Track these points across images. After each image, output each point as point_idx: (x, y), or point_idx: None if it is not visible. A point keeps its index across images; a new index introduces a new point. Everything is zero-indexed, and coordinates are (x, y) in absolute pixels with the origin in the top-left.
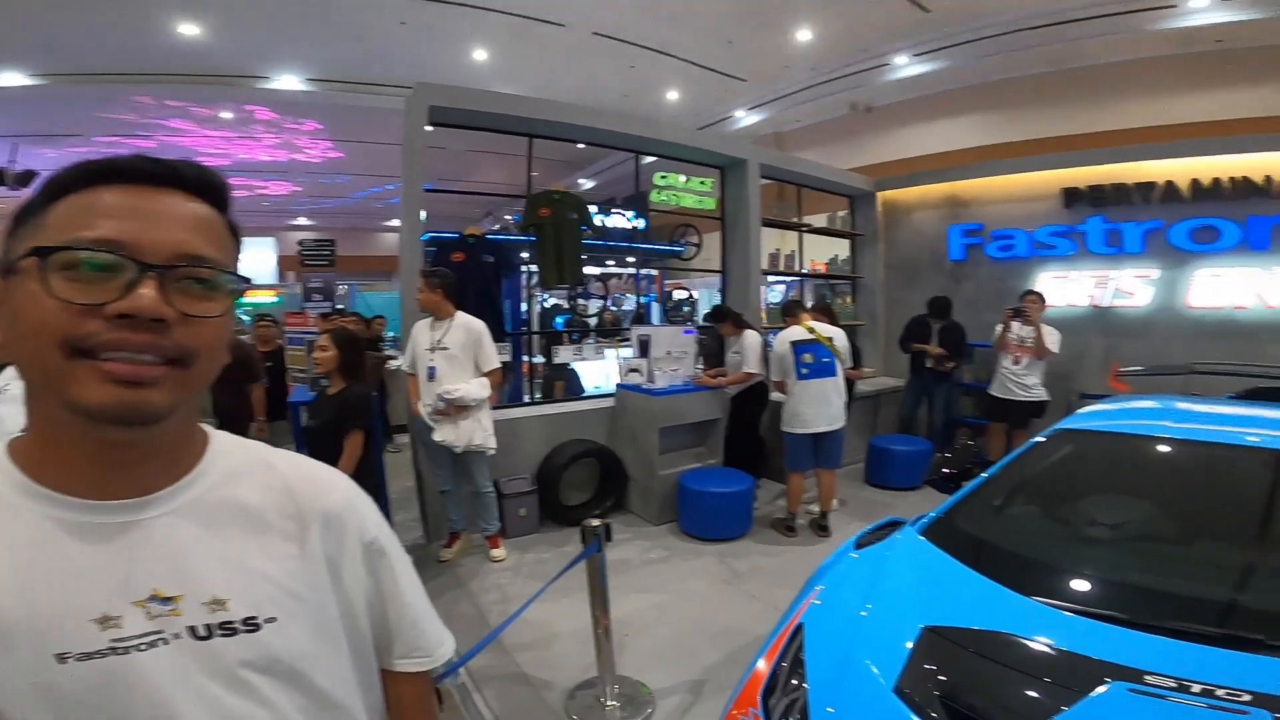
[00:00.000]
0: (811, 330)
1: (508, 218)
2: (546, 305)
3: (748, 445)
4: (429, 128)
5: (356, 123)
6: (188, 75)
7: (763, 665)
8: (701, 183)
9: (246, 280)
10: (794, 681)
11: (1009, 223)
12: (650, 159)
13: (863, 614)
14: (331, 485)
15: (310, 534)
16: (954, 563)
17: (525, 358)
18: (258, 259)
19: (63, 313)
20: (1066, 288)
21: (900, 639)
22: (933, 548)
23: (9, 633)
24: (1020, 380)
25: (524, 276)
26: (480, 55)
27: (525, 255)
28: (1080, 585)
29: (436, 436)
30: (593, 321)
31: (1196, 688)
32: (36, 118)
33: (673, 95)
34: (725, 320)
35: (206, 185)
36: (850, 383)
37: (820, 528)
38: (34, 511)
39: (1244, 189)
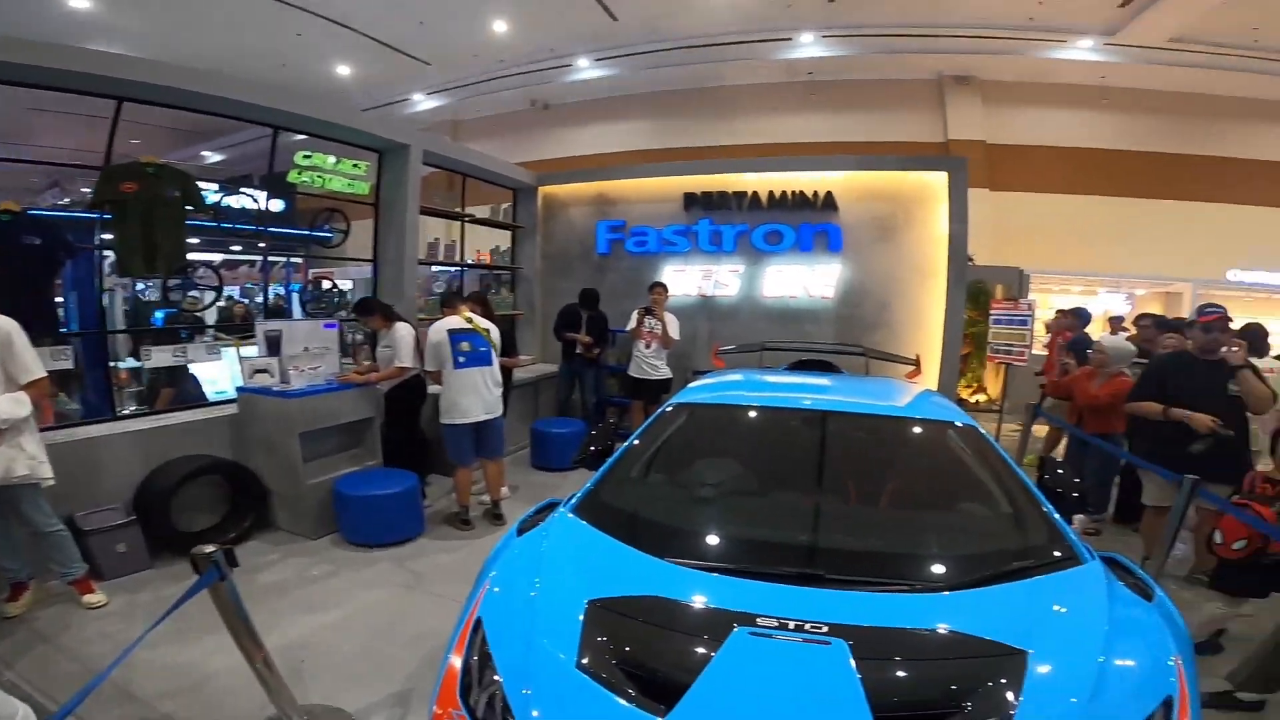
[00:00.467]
0: (469, 320)
1: (86, 190)
2: (147, 297)
3: (409, 442)
4: None
5: None
6: None
7: (455, 661)
8: (355, 165)
9: None
10: (487, 674)
11: (644, 220)
12: (300, 136)
13: (533, 595)
14: None
15: None
16: (603, 536)
17: (113, 363)
18: None
19: None
20: (683, 279)
21: (571, 616)
22: (584, 524)
23: None
24: (650, 361)
25: (98, 263)
26: (79, 3)
27: (108, 237)
28: (702, 544)
29: None
30: (209, 316)
31: (792, 624)
32: None
33: (343, 70)
34: (373, 313)
35: None
36: (508, 371)
37: (495, 517)
38: None
39: (799, 201)
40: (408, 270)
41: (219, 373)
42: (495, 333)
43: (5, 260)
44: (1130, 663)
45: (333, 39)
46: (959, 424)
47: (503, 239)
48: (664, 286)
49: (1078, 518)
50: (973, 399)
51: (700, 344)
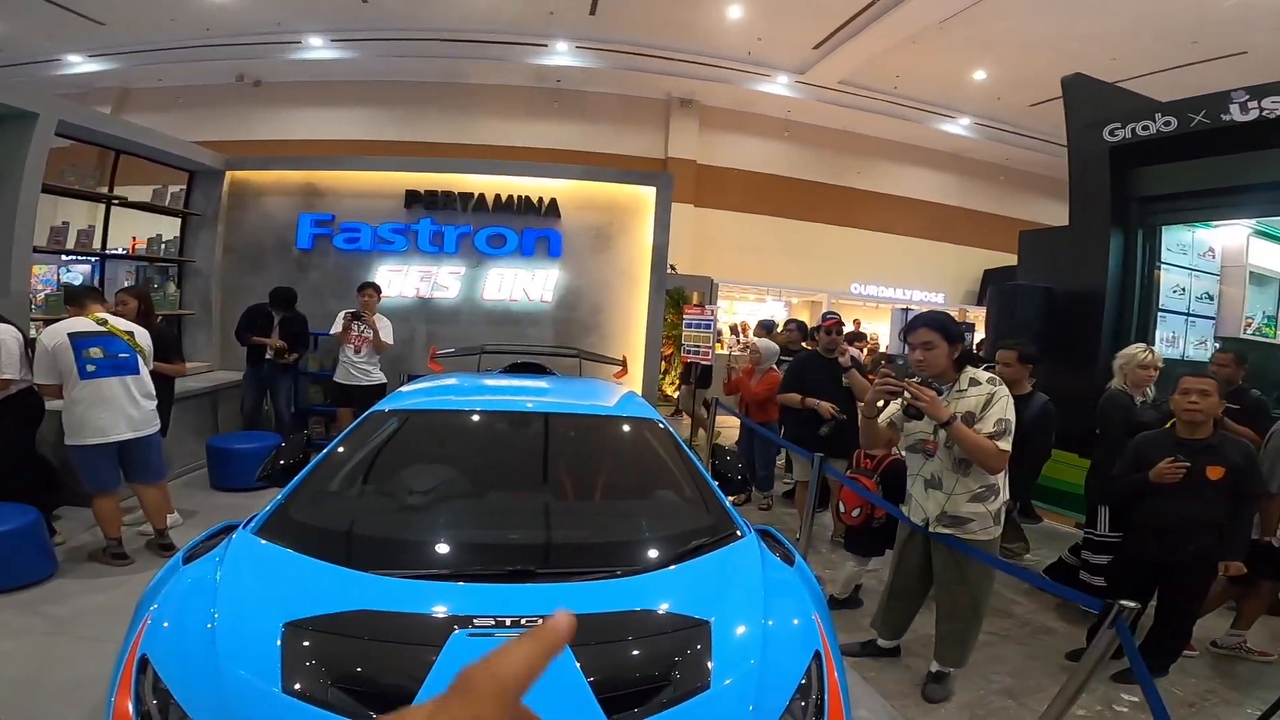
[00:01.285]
0: (103, 322)
1: None
2: None
3: (26, 470)
4: None
5: None
6: None
7: (126, 704)
8: None
9: None
10: (172, 714)
11: (358, 216)
12: None
13: (211, 627)
14: None
15: None
16: (295, 556)
17: None
18: None
19: None
20: (400, 281)
21: (266, 643)
22: (269, 545)
23: None
24: (361, 367)
25: None
26: None
27: None
28: (413, 552)
29: None
30: None
31: (509, 620)
32: None
33: None
34: None
35: None
36: (169, 381)
37: (163, 548)
38: None
39: (525, 206)
40: (17, 260)
41: None
42: (143, 336)
43: None
44: (785, 623)
45: None
46: (651, 421)
47: (168, 226)
48: (376, 288)
49: (757, 495)
50: (675, 394)
51: (418, 347)
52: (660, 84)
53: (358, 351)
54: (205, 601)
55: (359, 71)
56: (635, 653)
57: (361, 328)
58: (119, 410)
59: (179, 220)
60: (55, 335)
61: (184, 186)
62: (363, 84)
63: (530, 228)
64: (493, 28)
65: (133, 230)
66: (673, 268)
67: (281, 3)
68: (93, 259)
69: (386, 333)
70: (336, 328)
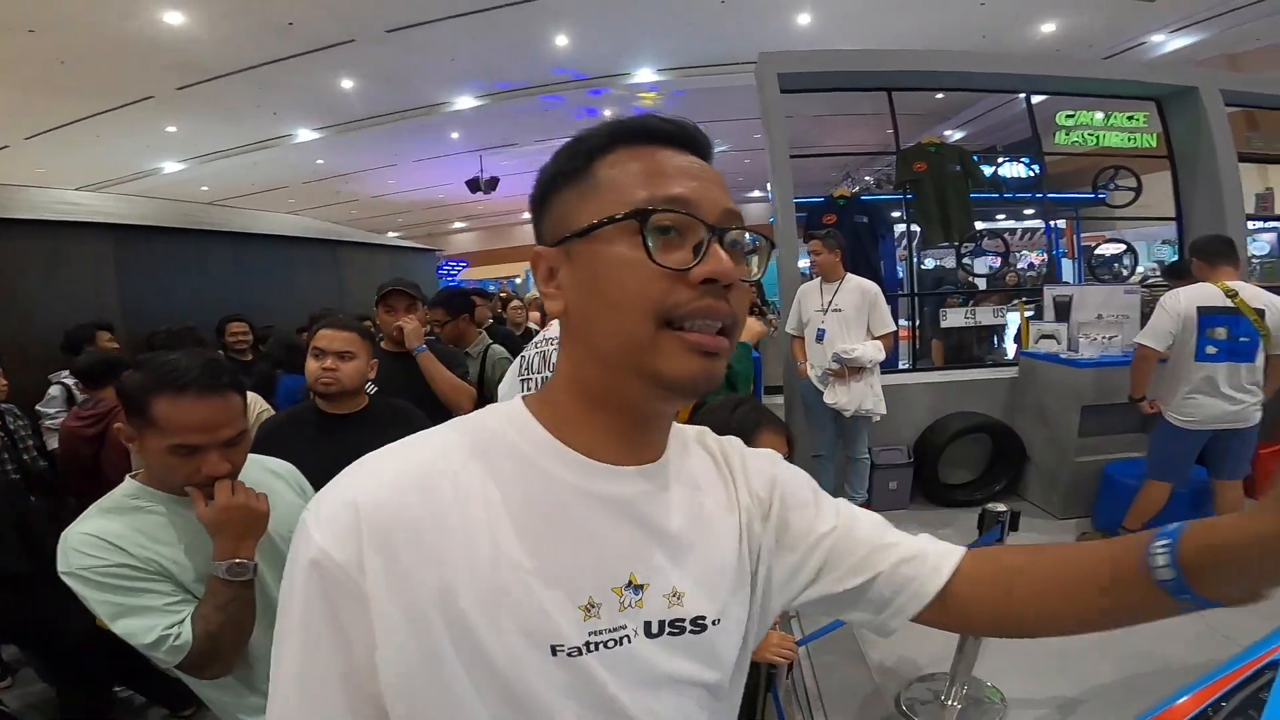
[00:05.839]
0: (1233, 295)
1: (868, 179)
2: (926, 266)
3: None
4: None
5: (707, 103)
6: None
7: (1186, 701)
8: (1130, 118)
9: (772, 243)
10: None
11: None
12: (1040, 99)
13: None
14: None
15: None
16: None
17: (906, 321)
18: None
19: (660, 280)
20: None
21: None
22: None
23: (510, 614)
24: None
25: (898, 237)
26: (804, 19)
27: (897, 215)
28: None
29: (828, 399)
30: (981, 283)
31: None
32: (486, 131)
33: (1047, 28)
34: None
35: (707, 145)
36: None
37: None
38: (560, 477)
39: None
40: (1230, 229)
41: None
42: (1277, 311)
43: (849, 236)
44: None
45: (1019, 1)
46: None
47: None
48: None
49: None
50: None
51: None
52: None
53: None
54: None
55: None
56: None
57: None
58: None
59: None
60: (1188, 304)
61: None
62: None
63: None
64: None
65: None
66: None
67: None
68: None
69: None
70: None
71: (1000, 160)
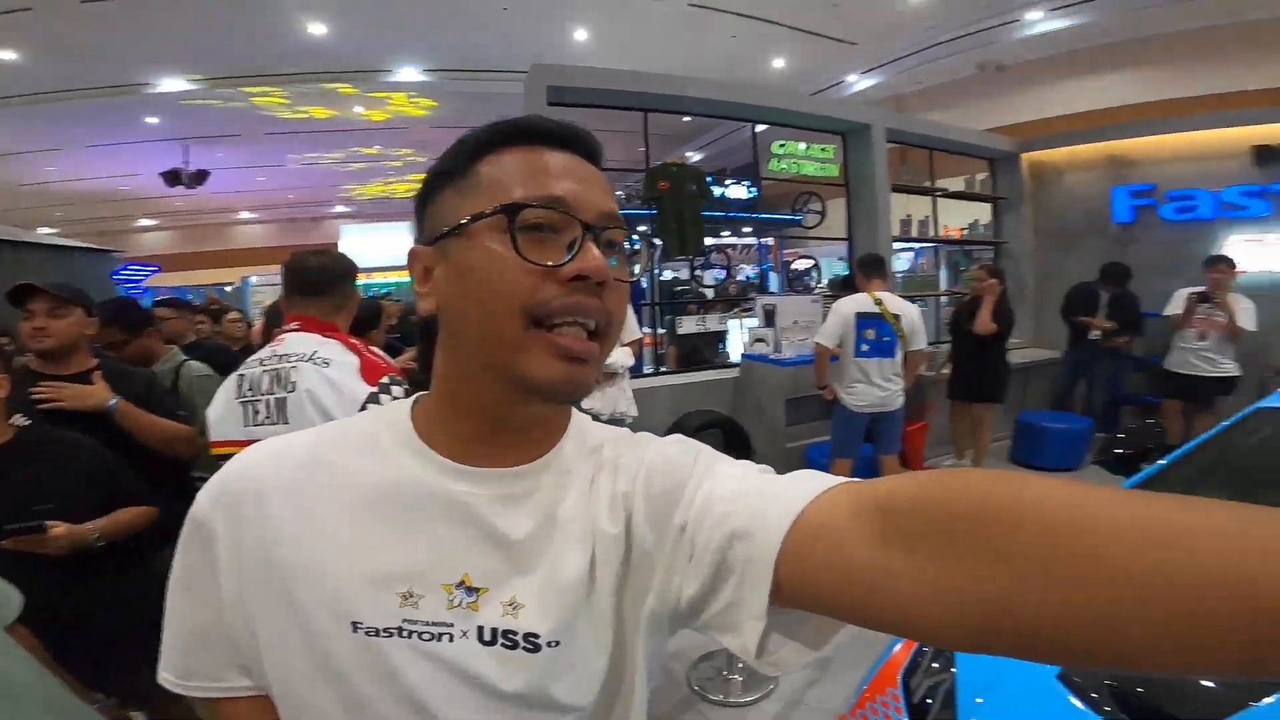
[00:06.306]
0: (879, 302)
1: (619, 193)
2: (665, 278)
3: None
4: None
5: (470, 110)
6: (316, 73)
7: (899, 649)
8: (823, 149)
9: (653, 243)
10: (937, 665)
11: (1188, 183)
12: (763, 128)
13: None
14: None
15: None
16: None
17: (649, 329)
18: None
19: (528, 276)
20: (1262, 253)
21: None
22: None
23: (318, 585)
24: (1206, 355)
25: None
26: (581, 35)
27: (643, 229)
28: None
29: (584, 403)
30: (709, 293)
31: None
32: (199, 121)
33: (778, 63)
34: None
35: (594, 147)
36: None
37: None
38: (405, 464)
39: None
40: (882, 247)
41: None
42: (911, 318)
43: None
44: None
45: (761, 36)
46: None
47: (980, 212)
48: (1230, 263)
49: None
50: None
51: None
52: None
53: (1203, 337)
54: None
55: (1099, 35)
56: None
57: (1210, 310)
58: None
59: (989, 206)
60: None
61: (986, 174)
62: (1113, 45)
63: None
64: None
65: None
66: None
67: None
68: (924, 245)
69: (1247, 317)
70: (1175, 308)
71: (728, 182)
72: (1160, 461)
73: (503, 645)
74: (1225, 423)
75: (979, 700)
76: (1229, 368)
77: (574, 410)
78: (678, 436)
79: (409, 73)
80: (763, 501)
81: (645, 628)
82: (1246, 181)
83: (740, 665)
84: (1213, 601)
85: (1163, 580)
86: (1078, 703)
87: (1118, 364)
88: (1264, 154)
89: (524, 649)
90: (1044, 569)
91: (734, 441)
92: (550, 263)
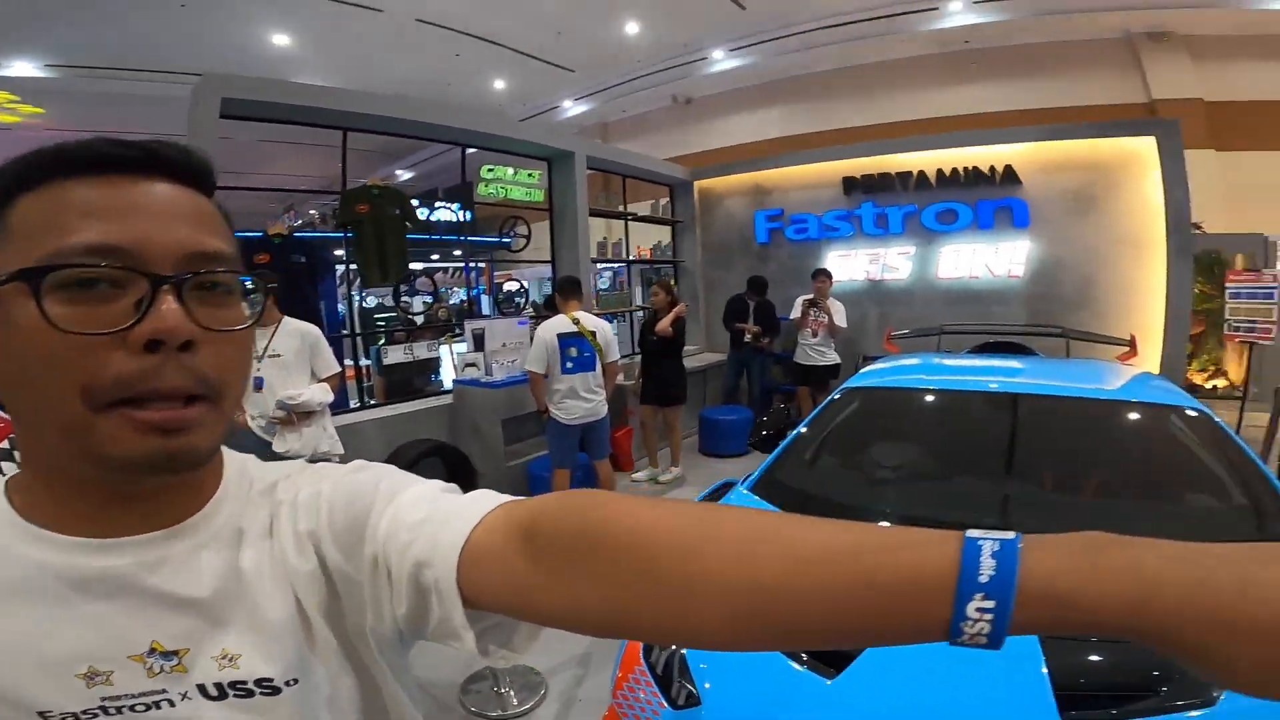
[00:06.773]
0: (576, 321)
1: (313, 212)
2: (368, 305)
3: None
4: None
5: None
6: None
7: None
8: (530, 175)
9: (272, 281)
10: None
11: (803, 208)
12: (474, 150)
13: None
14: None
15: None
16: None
17: (351, 361)
18: None
19: (73, 349)
20: (849, 265)
21: None
22: (761, 502)
23: None
24: (817, 349)
25: (340, 276)
26: (281, 40)
27: (339, 254)
28: (885, 521)
29: (278, 447)
30: (419, 319)
31: None
32: None
33: (499, 84)
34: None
35: (192, 168)
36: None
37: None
38: (25, 555)
39: (975, 177)
40: (583, 268)
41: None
42: (605, 333)
43: (284, 276)
44: None
45: (485, 56)
46: (1187, 410)
47: (664, 233)
48: (828, 274)
49: None
50: (1208, 384)
51: (869, 329)
52: (1102, 22)
53: (814, 335)
54: None
55: (763, 75)
56: (1120, 658)
57: (817, 313)
58: (580, 400)
59: (669, 228)
60: (548, 332)
61: (668, 199)
62: (771, 84)
63: (985, 199)
64: (868, 5)
65: (634, 240)
66: (1197, 227)
67: (677, 28)
68: (619, 264)
69: (840, 316)
70: (795, 313)
71: (437, 204)
72: (790, 434)
73: (236, 696)
74: (826, 400)
75: (704, 665)
76: (833, 357)
77: (227, 452)
78: (359, 462)
79: (23, 67)
80: (437, 528)
81: (377, 645)
82: (839, 207)
83: (509, 679)
84: (714, 597)
85: (699, 584)
86: (788, 658)
87: (764, 361)
88: (849, 183)
89: (263, 694)
90: (632, 587)
91: (456, 467)
92: (103, 330)
